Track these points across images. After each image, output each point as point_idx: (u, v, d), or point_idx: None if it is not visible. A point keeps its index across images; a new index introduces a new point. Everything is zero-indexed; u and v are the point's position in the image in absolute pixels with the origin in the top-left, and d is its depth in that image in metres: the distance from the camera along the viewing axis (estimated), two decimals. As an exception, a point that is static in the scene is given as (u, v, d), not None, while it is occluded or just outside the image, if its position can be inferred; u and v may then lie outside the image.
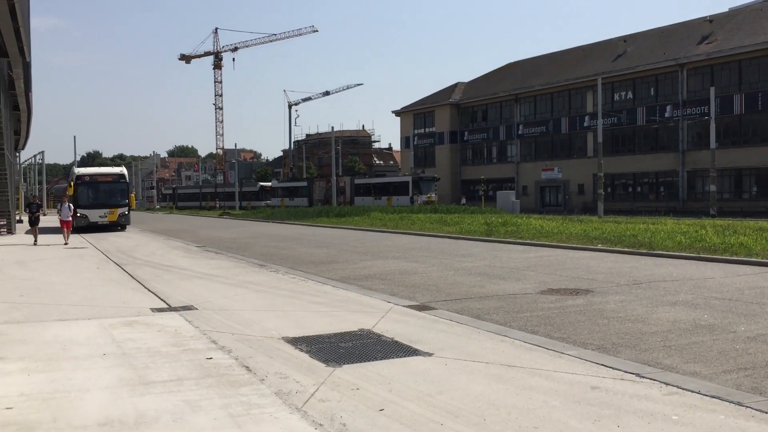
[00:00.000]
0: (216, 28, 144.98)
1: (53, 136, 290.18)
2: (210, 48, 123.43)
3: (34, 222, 26.01)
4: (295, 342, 7.65)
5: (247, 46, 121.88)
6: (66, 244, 24.15)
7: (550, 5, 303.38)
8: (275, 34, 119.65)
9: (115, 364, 6.72)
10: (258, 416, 5.10)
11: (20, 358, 6.99)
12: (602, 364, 6.54)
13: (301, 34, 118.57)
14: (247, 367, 6.56)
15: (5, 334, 8.25)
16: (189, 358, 6.95)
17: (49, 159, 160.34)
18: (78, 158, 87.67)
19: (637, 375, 6.14)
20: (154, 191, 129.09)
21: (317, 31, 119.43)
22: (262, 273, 14.66)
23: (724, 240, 18.66)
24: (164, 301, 10.78)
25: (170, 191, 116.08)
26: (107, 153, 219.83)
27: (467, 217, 35.88)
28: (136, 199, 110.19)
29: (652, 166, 53.46)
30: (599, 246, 19.56)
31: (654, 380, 5.97)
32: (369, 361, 6.80)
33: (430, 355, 7.01)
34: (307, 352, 7.19)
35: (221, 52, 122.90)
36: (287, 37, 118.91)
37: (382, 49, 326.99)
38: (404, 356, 6.97)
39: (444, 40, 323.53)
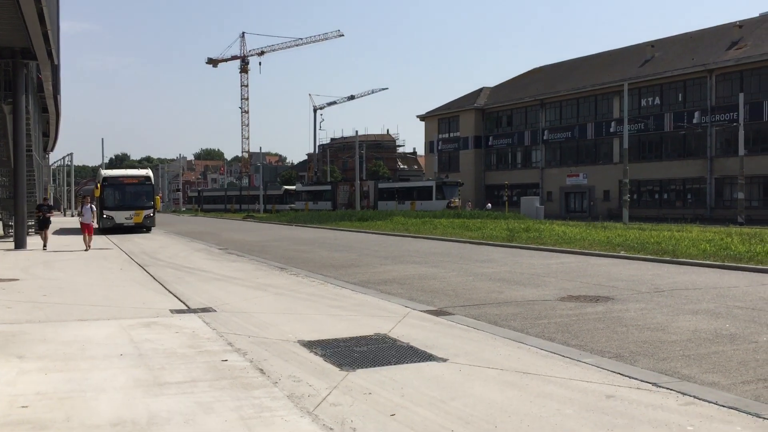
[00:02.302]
0: (243, 33, 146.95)
1: (82, 139, 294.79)
2: (237, 52, 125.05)
3: (43, 224, 23.97)
4: (311, 345, 7.66)
5: (273, 50, 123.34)
6: (87, 249, 22.18)
7: (576, 10, 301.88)
8: (301, 39, 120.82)
9: (131, 364, 6.78)
10: (269, 419, 5.11)
11: (39, 357, 7.09)
12: (619, 373, 6.45)
13: (327, 39, 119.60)
14: (261, 369, 6.58)
15: (27, 333, 8.37)
16: (204, 359, 6.99)
17: (79, 161, 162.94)
18: (106, 160, 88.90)
19: (654, 384, 6.05)
20: (180, 193, 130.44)
21: (343, 35, 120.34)
22: (282, 276, 14.72)
23: (750, 248, 18.36)
24: (184, 303, 10.86)
25: (196, 194, 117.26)
26: (135, 155, 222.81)
27: (490, 222, 35.72)
28: (162, 201, 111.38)
29: (680, 172, 52.83)
30: (622, 253, 19.35)
31: (671, 390, 5.87)
32: (383, 365, 6.78)
33: (444, 360, 6.98)
34: (321, 355, 7.19)
35: (248, 56, 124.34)
36: (313, 42, 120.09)
37: (408, 54, 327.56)
38: (418, 361, 6.94)
39: (469, 45, 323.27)
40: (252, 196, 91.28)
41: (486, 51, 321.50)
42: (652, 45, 59.84)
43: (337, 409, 5.38)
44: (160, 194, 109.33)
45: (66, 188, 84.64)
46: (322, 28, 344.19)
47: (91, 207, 23.86)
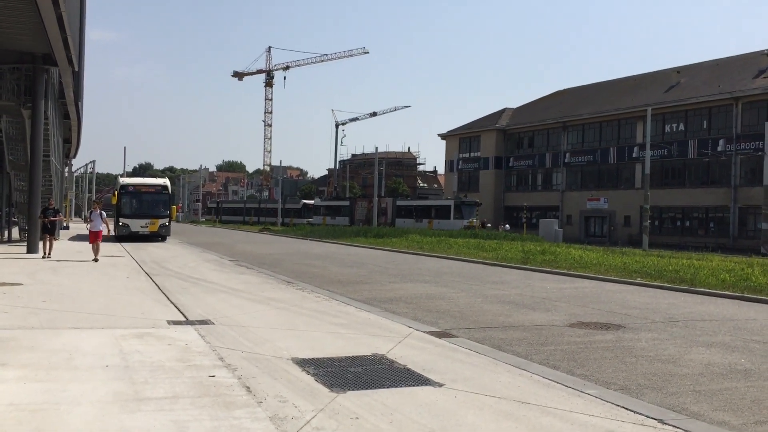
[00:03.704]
0: (269, 47, 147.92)
1: (108, 147, 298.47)
2: (262, 66, 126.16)
3: (47, 229, 21.44)
4: (304, 364, 7.38)
5: (298, 65, 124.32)
6: (95, 260, 20.19)
7: (603, 34, 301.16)
8: (326, 54, 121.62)
9: (114, 377, 6.53)
10: (245, 442, 4.84)
11: (22, 365, 6.87)
12: (623, 407, 6.10)
13: (352, 55, 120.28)
14: (248, 387, 6.32)
15: (16, 339, 8.18)
16: (191, 374, 6.73)
17: (103, 169, 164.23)
18: (130, 169, 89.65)
19: (659, 421, 5.70)
20: (200, 204, 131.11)
21: (368, 52, 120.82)
22: (288, 290, 14.47)
23: (772, 280, 17.80)
24: (183, 314, 10.64)
25: (215, 205, 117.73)
26: (158, 165, 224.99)
27: (506, 243, 35.26)
28: (182, 211, 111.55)
29: (703, 200, 52.00)
30: (638, 280, 18.87)
31: (677, 428, 5.52)
32: (375, 388, 6.48)
33: (441, 385, 6.66)
34: (313, 375, 6.90)
35: (273, 71, 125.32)
36: (338, 58, 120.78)
37: (431, 73, 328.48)
38: (413, 385, 6.63)
39: (493, 66, 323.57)
40: (270, 209, 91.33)
41: (509, 72, 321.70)
42: (678, 71, 59.26)
43: (319, 434, 5.09)
44: (180, 204, 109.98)
45: (87, 195, 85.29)
46: (347, 44, 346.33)
47: (100, 213, 21.54)
